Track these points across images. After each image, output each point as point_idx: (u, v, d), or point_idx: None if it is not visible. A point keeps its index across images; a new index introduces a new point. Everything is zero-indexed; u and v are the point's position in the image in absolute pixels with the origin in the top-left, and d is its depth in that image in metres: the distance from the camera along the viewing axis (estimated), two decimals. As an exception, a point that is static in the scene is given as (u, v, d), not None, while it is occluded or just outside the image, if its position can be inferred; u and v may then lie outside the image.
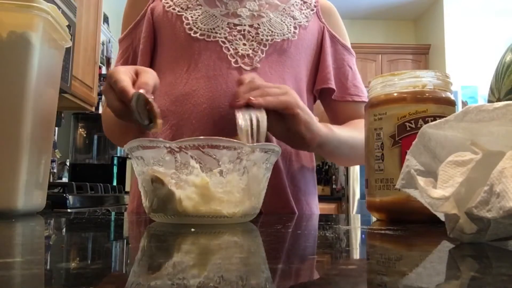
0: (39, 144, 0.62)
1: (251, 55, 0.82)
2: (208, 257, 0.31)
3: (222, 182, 0.48)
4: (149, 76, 0.65)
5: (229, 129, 0.75)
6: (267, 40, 0.83)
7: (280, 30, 0.85)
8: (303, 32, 0.87)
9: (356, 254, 0.35)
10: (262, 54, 0.82)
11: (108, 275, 0.24)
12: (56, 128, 2.76)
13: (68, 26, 0.68)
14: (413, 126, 0.57)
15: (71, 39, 0.71)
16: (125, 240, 0.43)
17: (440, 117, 0.57)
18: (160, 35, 0.87)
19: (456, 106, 0.60)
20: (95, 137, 3.15)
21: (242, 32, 0.83)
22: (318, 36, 0.91)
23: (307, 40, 0.88)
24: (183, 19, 0.83)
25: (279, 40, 0.84)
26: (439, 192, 0.35)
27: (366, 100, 0.89)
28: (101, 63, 3.44)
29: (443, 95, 0.59)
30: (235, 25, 0.84)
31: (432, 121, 0.57)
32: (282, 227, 0.50)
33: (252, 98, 0.66)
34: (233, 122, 0.76)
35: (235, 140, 0.49)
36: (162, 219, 0.51)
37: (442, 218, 0.41)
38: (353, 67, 0.93)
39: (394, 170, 0.57)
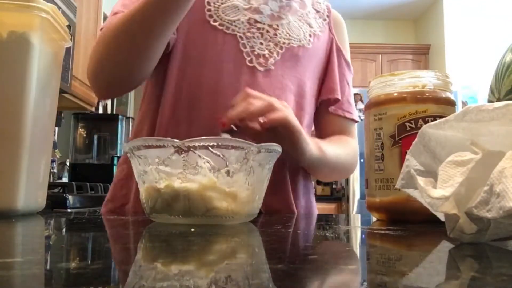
0: (39, 144, 0.62)
1: (266, 55, 0.80)
2: (208, 257, 0.31)
3: (229, 182, 0.48)
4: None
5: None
6: (283, 43, 0.82)
7: (297, 36, 0.84)
8: (317, 42, 0.87)
9: (356, 254, 0.35)
10: (278, 56, 0.81)
11: (108, 275, 0.24)
12: (56, 128, 2.76)
13: (68, 26, 0.68)
14: (413, 126, 0.57)
15: (71, 39, 0.70)
16: (125, 240, 0.43)
17: (440, 117, 0.57)
18: None
19: (456, 106, 0.60)
20: (95, 137, 3.15)
21: (261, 31, 0.82)
22: (327, 47, 0.90)
23: (318, 50, 0.88)
24: (205, 3, 0.80)
25: (295, 46, 0.83)
26: (439, 192, 0.35)
27: (356, 119, 0.92)
28: (101, 63, 3.44)
29: (443, 95, 0.59)
30: (256, 21, 0.82)
31: (432, 121, 0.56)
32: (282, 227, 0.50)
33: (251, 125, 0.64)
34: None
35: (242, 140, 0.49)
36: (164, 219, 0.51)
37: (442, 218, 0.41)
38: (350, 84, 0.93)
39: (394, 170, 0.57)
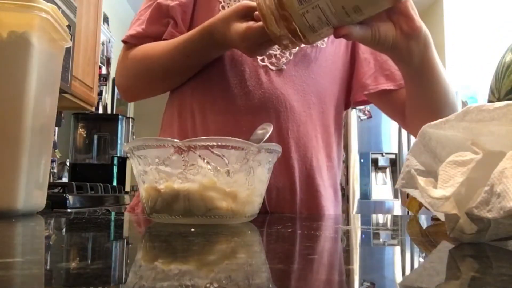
0: (39, 144, 0.62)
1: (278, 55, 0.80)
2: (208, 257, 0.31)
3: (229, 182, 0.48)
4: None
5: (240, 127, 0.73)
6: None
7: None
8: (333, 40, 0.84)
9: (356, 254, 0.35)
10: (290, 56, 0.80)
11: (108, 275, 0.24)
12: (56, 128, 2.76)
13: (68, 26, 0.68)
14: None
15: (71, 39, 0.70)
16: (125, 240, 0.43)
17: None
18: (197, 4, 0.83)
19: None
20: (95, 137, 3.15)
21: None
22: (347, 44, 0.88)
23: (336, 48, 0.86)
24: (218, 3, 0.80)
25: (308, 46, 0.81)
26: (439, 192, 0.35)
27: None
28: (101, 63, 3.44)
29: None
30: None
31: None
32: (282, 227, 0.49)
33: None
34: (241, 122, 0.75)
35: (242, 140, 0.49)
36: (164, 219, 0.51)
37: (442, 218, 0.41)
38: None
39: None
